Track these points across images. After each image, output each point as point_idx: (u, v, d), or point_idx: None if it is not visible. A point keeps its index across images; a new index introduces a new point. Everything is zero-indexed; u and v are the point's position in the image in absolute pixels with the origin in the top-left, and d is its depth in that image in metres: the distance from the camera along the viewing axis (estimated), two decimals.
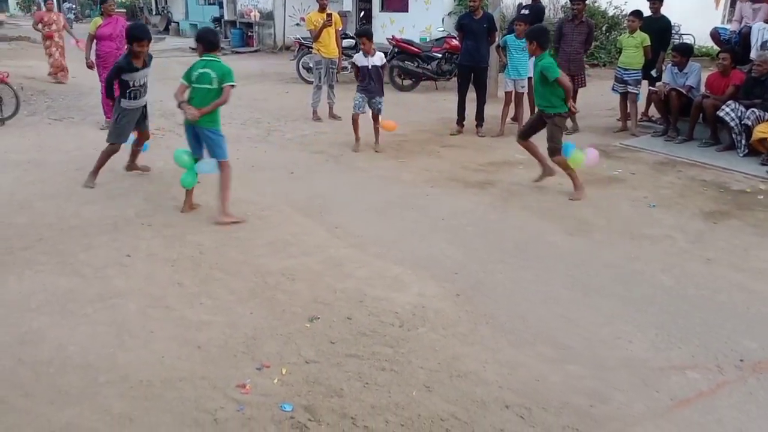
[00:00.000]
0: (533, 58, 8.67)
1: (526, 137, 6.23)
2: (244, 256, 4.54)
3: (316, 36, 9.43)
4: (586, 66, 9.57)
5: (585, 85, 8.86)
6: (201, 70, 5.02)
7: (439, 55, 12.27)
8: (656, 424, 2.86)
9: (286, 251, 4.68)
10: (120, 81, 5.69)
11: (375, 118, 7.67)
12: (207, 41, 5.11)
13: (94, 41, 8.15)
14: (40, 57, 13.66)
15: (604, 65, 15.07)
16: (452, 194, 6.17)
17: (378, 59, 7.51)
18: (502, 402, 2.98)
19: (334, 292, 4.06)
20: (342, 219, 5.38)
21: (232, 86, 5.04)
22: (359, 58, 7.54)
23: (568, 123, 8.84)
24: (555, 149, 5.86)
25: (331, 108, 9.66)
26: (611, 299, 4.04)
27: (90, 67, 8.39)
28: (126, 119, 5.87)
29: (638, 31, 8.16)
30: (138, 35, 5.53)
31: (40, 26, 12.30)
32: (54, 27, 12.16)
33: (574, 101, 8.67)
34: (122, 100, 5.78)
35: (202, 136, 5.13)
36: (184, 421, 2.76)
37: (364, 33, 7.68)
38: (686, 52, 7.91)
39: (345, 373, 3.18)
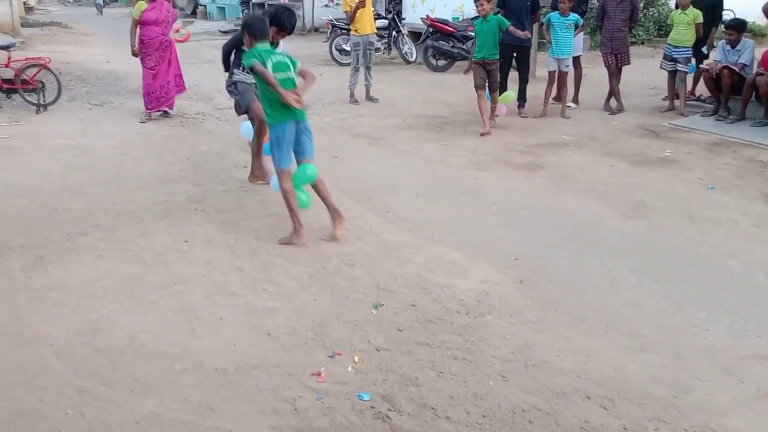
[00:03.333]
0: (579, 36, 8.54)
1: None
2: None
3: (351, 17, 9.29)
4: None
5: (629, 63, 8.60)
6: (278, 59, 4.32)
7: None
8: (744, 415, 2.77)
9: None
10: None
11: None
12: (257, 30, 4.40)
13: (138, 27, 7.66)
14: (75, 42, 13.74)
15: (642, 43, 14.63)
16: (501, 177, 6.06)
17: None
18: (583, 392, 2.91)
19: (395, 278, 4.01)
20: (391, 203, 5.31)
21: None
22: None
23: (613, 103, 8.67)
24: (493, 87, 7.61)
25: (368, 90, 9.54)
26: (680, 285, 3.93)
27: (135, 54, 7.86)
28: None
29: (691, 7, 7.88)
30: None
31: None
32: None
33: (618, 80, 8.55)
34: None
35: (300, 131, 4.37)
36: (264, 410, 2.74)
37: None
38: (741, 28, 7.60)
39: (417, 362, 3.13)
